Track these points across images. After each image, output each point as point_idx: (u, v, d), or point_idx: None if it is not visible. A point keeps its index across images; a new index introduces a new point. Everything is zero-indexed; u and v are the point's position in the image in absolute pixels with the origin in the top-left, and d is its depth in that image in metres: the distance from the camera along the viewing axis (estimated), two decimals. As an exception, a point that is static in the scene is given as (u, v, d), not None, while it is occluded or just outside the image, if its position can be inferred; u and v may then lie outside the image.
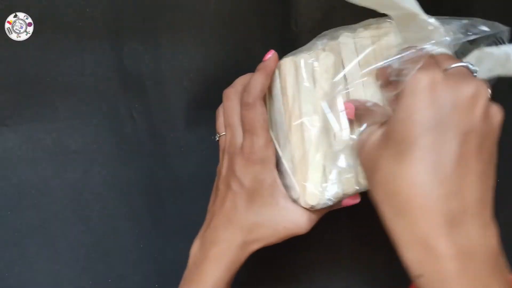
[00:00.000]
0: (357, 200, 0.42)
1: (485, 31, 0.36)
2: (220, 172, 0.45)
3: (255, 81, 0.42)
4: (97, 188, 0.52)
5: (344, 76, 0.41)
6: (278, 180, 0.42)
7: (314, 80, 0.41)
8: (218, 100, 0.52)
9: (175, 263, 0.53)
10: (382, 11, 0.38)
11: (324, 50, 0.42)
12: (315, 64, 0.41)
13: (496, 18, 0.50)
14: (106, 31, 0.51)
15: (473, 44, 0.38)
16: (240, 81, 0.45)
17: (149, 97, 0.52)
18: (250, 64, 0.52)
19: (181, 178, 0.53)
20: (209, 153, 0.53)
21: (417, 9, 0.35)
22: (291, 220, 0.41)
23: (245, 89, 0.42)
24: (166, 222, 0.53)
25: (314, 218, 0.42)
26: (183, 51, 0.52)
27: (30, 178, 0.50)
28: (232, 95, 0.44)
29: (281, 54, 0.52)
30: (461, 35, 0.37)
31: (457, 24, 0.36)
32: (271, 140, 0.43)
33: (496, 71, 0.38)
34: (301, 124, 0.41)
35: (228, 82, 0.52)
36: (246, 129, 0.42)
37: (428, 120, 0.31)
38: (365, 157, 0.35)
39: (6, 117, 0.49)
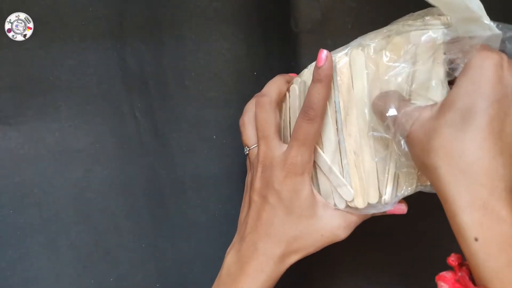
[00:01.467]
0: (404, 211, 0.42)
1: None
2: (252, 184, 0.44)
3: (319, 95, 0.40)
4: (99, 187, 0.51)
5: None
6: (315, 190, 0.42)
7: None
8: (220, 100, 0.53)
9: (177, 263, 0.53)
10: (446, 12, 0.38)
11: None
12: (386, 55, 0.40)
13: (496, 18, 0.51)
14: (108, 30, 0.51)
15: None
16: (273, 89, 0.44)
17: (152, 97, 0.52)
18: (252, 63, 0.53)
19: (183, 178, 0.53)
20: (212, 153, 0.53)
21: (481, 12, 0.37)
22: (329, 228, 0.42)
23: (307, 103, 0.41)
24: (167, 222, 0.53)
25: (352, 224, 0.42)
26: (185, 50, 0.52)
27: (32, 177, 0.50)
28: (267, 105, 0.43)
29: (281, 54, 0.53)
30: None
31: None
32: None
33: None
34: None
35: (230, 81, 0.53)
36: (298, 139, 0.41)
37: (495, 94, 0.33)
38: (418, 129, 0.35)
39: (9, 116, 0.49)
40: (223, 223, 0.53)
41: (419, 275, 0.53)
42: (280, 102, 0.45)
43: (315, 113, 0.40)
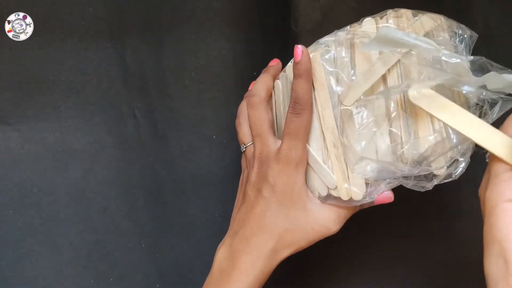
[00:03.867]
0: (390, 199, 0.42)
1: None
2: (248, 179, 0.44)
3: (302, 89, 0.42)
4: (99, 187, 0.52)
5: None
6: (305, 183, 0.43)
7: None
8: (220, 100, 0.53)
9: (176, 263, 0.53)
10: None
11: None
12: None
13: (496, 18, 0.51)
14: (108, 31, 0.51)
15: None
16: (260, 87, 0.45)
17: (152, 96, 0.52)
18: (252, 63, 0.53)
19: (183, 178, 0.53)
20: (211, 153, 0.53)
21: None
22: (319, 221, 0.42)
23: (293, 98, 0.42)
24: (167, 222, 0.53)
25: (342, 218, 0.43)
26: (185, 50, 0.52)
27: (32, 177, 0.50)
28: (258, 104, 0.44)
29: (281, 54, 0.53)
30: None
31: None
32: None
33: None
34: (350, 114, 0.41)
35: (230, 81, 0.53)
36: (289, 133, 0.42)
37: None
38: None
39: (9, 115, 0.50)
40: (223, 223, 0.52)
41: (417, 275, 0.53)
42: (270, 98, 0.46)
43: (301, 107, 0.42)
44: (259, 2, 0.53)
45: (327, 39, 0.43)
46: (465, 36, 0.41)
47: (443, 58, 0.38)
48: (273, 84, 0.46)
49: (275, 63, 0.47)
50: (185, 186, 0.53)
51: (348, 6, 0.52)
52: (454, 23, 0.42)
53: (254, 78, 0.47)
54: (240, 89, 0.50)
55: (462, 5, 0.51)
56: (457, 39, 0.41)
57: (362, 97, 0.41)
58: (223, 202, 0.53)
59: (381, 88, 0.41)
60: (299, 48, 0.41)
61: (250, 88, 0.47)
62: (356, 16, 0.44)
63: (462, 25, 0.41)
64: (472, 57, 0.39)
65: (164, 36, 0.52)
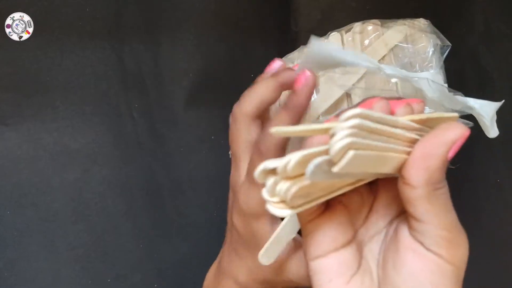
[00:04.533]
0: None
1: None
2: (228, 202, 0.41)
3: (279, 121, 0.34)
4: (97, 187, 0.52)
5: None
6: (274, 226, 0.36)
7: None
8: (218, 100, 0.53)
9: (175, 263, 0.53)
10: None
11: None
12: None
13: (496, 18, 0.51)
14: (106, 31, 0.51)
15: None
16: (252, 100, 0.37)
17: (149, 97, 0.52)
18: (250, 64, 0.53)
19: (180, 178, 0.53)
20: (209, 153, 0.53)
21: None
22: (287, 275, 0.36)
23: (260, 136, 0.34)
24: (165, 222, 0.53)
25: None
26: (183, 50, 0.52)
27: (30, 177, 0.50)
28: (237, 121, 0.37)
29: (281, 54, 0.53)
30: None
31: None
32: None
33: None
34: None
35: (228, 82, 0.53)
36: (248, 175, 0.35)
37: None
38: None
39: (7, 116, 0.49)
40: (221, 223, 0.52)
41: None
42: (264, 112, 0.39)
43: (264, 146, 0.34)
44: (259, 3, 0.53)
45: (291, 56, 0.42)
46: (437, 44, 0.40)
47: (394, 81, 0.38)
48: (277, 96, 0.37)
49: (277, 65, 0.39)
50: (183, 186, 0.53)
51: (348, 6, 0.52)
52: (428, 31, 0.40)
53: (253, 79, 0.47)
54: (238, 90, 0.50)
55: (462, 5, 0.51)
56: (429, 48, 0.40)
57: (320, 117, 0.40)
58: (222, 202, 0.53)
59: (345, 104, 0.40)
60: (305, 76, 0.34)
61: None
62: (356, 16, 0.44)
63: (433, 35, 0.40)
64: (417, 79, 0.36)
65: (162, 37, 0.52)
